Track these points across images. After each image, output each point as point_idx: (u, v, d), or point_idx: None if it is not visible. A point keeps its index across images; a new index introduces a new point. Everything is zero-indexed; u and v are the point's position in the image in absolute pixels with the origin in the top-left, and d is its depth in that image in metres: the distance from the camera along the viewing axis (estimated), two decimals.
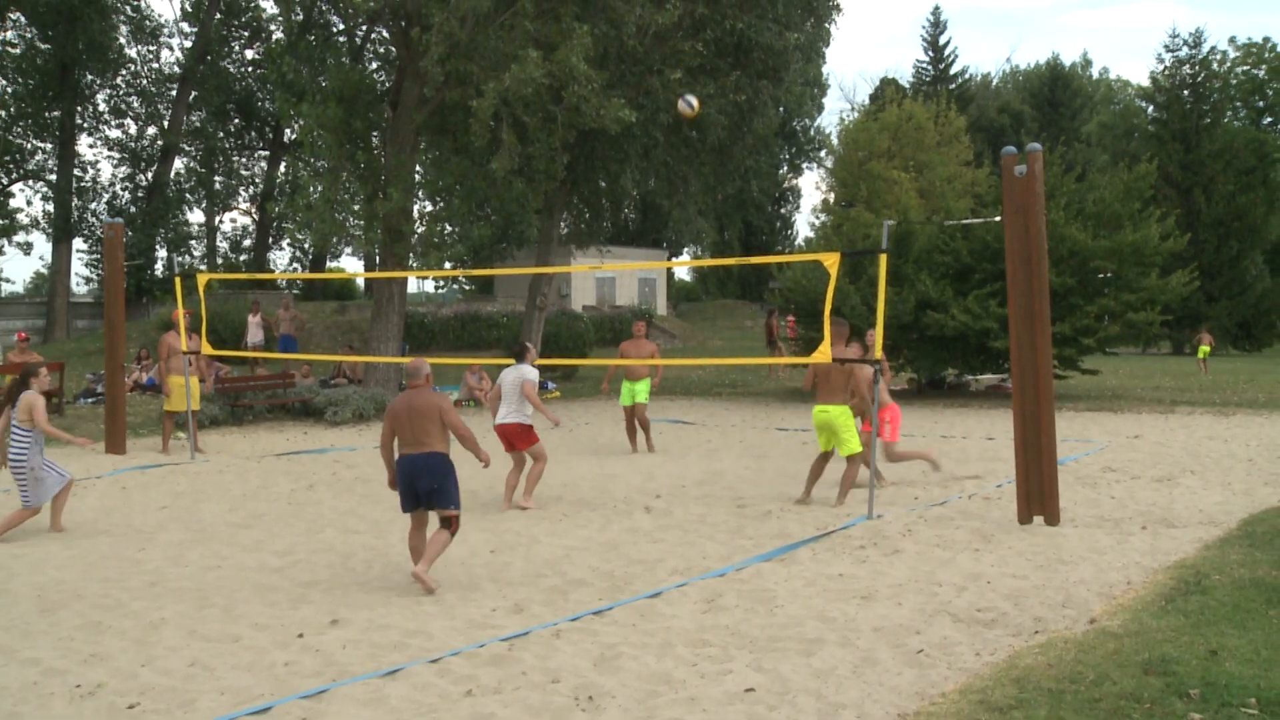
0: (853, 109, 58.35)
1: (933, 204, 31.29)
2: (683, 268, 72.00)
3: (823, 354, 10.77)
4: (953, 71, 66.40)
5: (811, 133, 60.25)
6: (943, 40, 66.63)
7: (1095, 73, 79.61)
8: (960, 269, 22.20)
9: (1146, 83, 55.99)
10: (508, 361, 12.10)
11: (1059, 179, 23.07)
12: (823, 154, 59.06)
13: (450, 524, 8.20)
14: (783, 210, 64.58)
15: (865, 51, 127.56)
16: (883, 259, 10.80)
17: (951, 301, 21.48)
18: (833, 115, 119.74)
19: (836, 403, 11.10)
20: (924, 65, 66.90)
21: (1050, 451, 9.93)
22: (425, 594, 7.91)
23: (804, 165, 61.97)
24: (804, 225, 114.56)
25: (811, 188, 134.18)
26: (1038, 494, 9.99)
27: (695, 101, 17.63)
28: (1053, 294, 10.18)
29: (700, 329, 48.54)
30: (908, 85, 61.07)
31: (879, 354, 10.94)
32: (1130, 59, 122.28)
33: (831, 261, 10.92)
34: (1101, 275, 21.68)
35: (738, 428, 18.97)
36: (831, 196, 46.45)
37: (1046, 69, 72.14)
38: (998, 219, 12.53)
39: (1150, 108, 54.94)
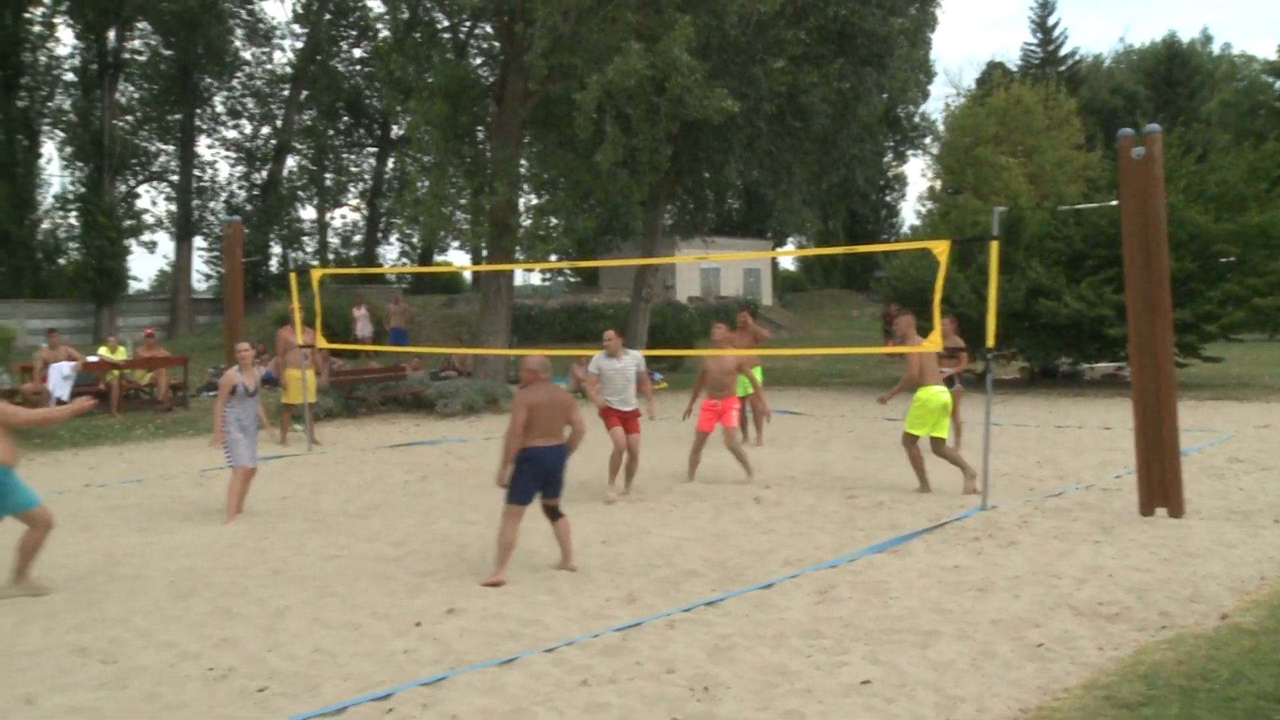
0: (959, 94, 57.17)
1: (1043, 189, 30.66)
2: (787, 258, 71.49)
3: (933, 343, 10.66)
4: (1062, 53, 64.80)
5: (917, 119, 59.28)
6: (1051, 21, 65.09)
7: (1216, 49, 76.84)
8: (1073, 255, 21.71)
9: (1274, 56, 53.87)
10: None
11: (1178, 161, 22.38)
12: (928, 140, 58.07)
13: (562, 513, 8.46)
14: (888, 198, 63.63)
15: (972, 35, 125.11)
16: (994, 246, 10.61)
17: (1064, 289, 21.04)
18: (938, 101, 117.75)
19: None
20: (1032, 48, 65.42)
21: (1173, 441, 9.66)
22: (569, 571, 8.29)
23: (909, 152, 60.95)
24: (909, 213, 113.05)
25: (917, 175, 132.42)
26: (1160, 485, 9.72)
27: None
28: (1173, 279, 9.87)
29: (806, 319, 48.20)
30: (1015, 69, 59.75)
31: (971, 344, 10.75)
32: (1255, 34, 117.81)
33: (941, 250, 10.77)
34: (1225, 259, 20.98)
35: (846, 418, 18.79)
36: (938, 183, 45.71)
37: (1163, 47, 69.81)
38: (1114, 203, 12.21)
39: (1278, 83, 52.80)
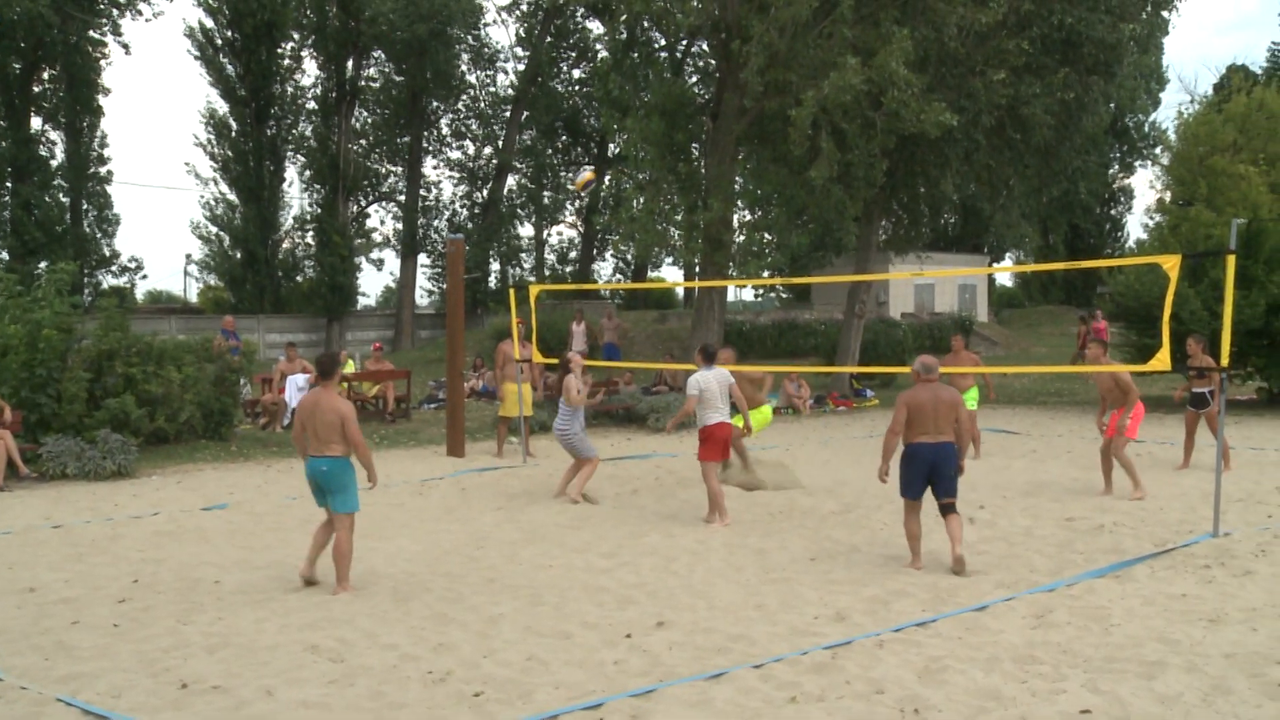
0: (1193, 101, 54.36)
1: None
2: (1004, 273, 69.39)
3: (1160, 361, 10.24)
4: None
5: (1146, 129, 56.70)
6: None
7: None
8: None
9: None
10: (825, 369, 12.07)
11: None
12: (1158, 150, 55.37)
13: (954, 510, 8.87)
14: (1112, 212, 60.99)
15: (1209, 38, 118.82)
16: (1230, 260, 10.08)
17: None
18: (1170, 109, 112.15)
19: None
20: None
21: None
22: (959, 572, 8.62)
23: (1137, 164, 58.35)
24: (1135, 227, 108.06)
25: (1145, 187, 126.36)
26: None
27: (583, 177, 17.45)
28: None
29: (1023, 335, 46.60)
30: (1260, 71, 56.35)
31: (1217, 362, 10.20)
32: None
33: (1171, 264, 10.30)
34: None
35: (1064, 437, 18.11)
36: (1167, 195, 43.53)
37: None
38: None
39: None
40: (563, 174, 47.01)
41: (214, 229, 38.23)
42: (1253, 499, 11.76)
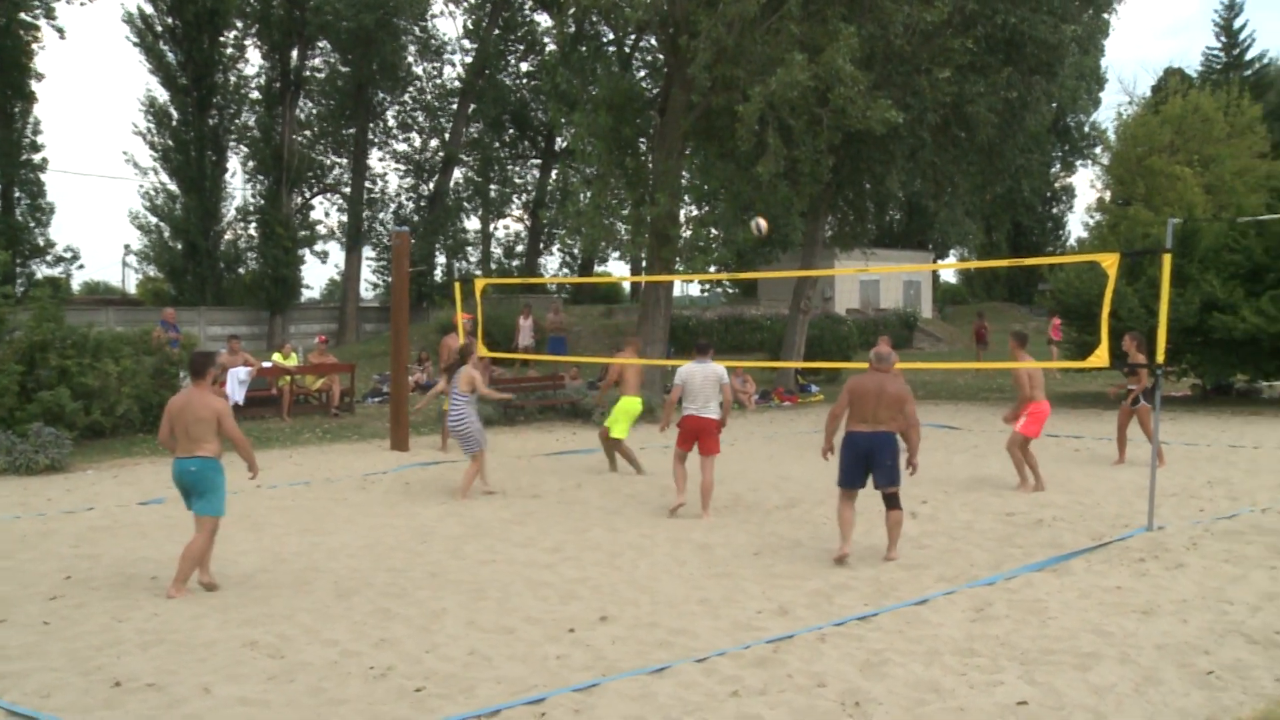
0: (1131, 102, 55.09)
1: (1220, 200, 29.35)
2: (949, 270, 70.05)
3: (1099, 357, 10.39)
4: (1248, 57, 61.82)
5: (1087, 129, 57.50)
6: (1238, 24, 62.18)
7: None
8: (1253, 268, 20.79)
9: None
10: (771, 364, 12.15)
11: None
12: (1098, 150, 56.13)
13: (897, 501, 8.92)
14: (1054, 210, 61.79)
15: (1147, 41, 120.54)
16: (1166, 259, 10.23)
17: (1242, 303, 20.20)
18: (1110, 110, 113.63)
19: None
20: (1214, 52, 62.49)
21: None
22: (896, 560, 8.82)
23: (1078, 163, 59.16)
24: (1077, 225, 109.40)
25: (1086, 186, 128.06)
26: None
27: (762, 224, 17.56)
28: None
29: (966, 332, 46.99)
30: (1195, 74, 57.27)
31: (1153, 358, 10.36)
32: None
33: (1110, 262, 10.45)
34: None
35: (1005, 433, 18.24)
36: (1107, 195, 44.17)
37: None
38: None
39: None
40: (509, 167, 46.81)
41: (154, 219, 37.48)
42: (1186, 493, 11.96)
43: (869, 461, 8.83)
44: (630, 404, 14.03)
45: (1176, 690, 5.77)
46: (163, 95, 36.26)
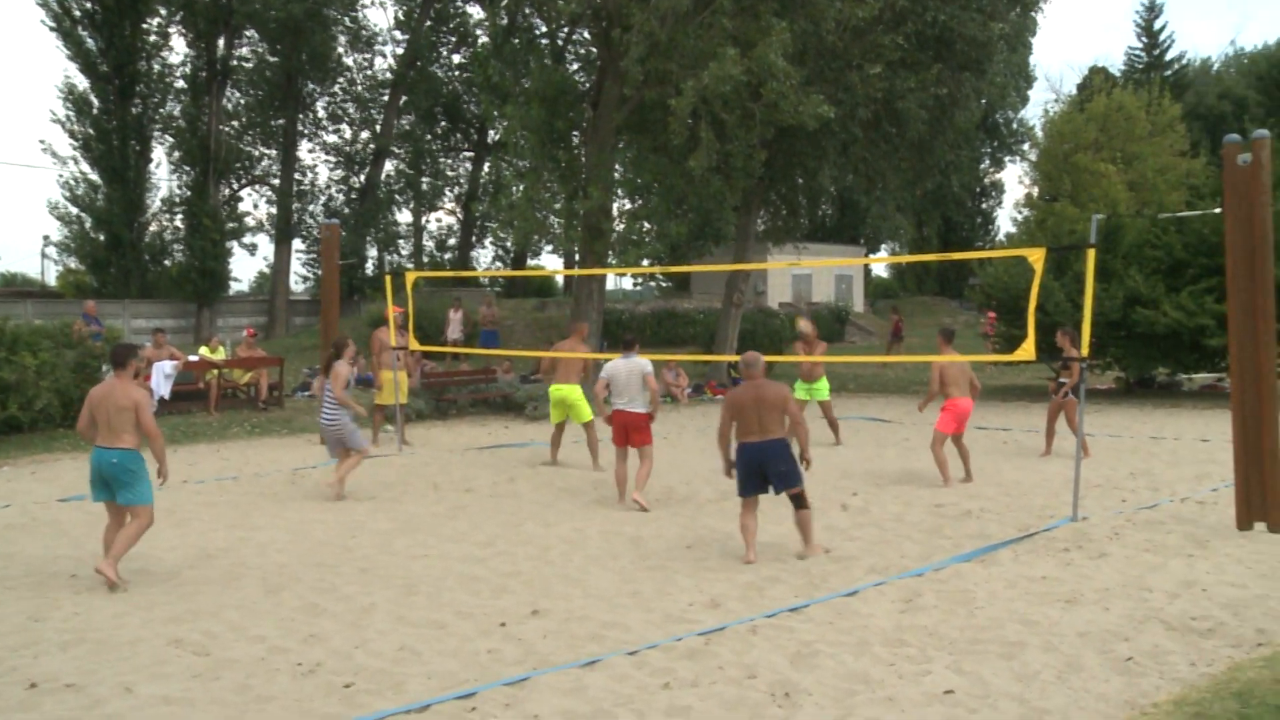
0: (1058, 100, 56.07)
1: (1143, 197, 29.96)
2: (880, 264, 70.82)
3: (1025, 351, 10.55)
4: (1169, 57, 63.13)
5: (1015, 125, 58.40)
6: (1158, 25, 63.47)
7: None
8: (1173, 264, 21.26)
9: None
10: (703, 358, 12.23)
11: None
12: (1026, 147, 57.04)
13: (803, 500, 8.82)
14: (984, 205, 62.73)
15: (1073, 40, 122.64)
16: (1091, 254, 10.41)
17: (1163, 298, 20.67)
18: (1037, 107, 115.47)
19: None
20: (1137, 52, 63.80)
21: (1274, 454, 9.35)
22: (821, 554, 8.83)
23: (1006, 159, 60.09)
24: (1005, 220, 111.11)
25: (1014, 182, 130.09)
26: (1259, 499, 9.42)
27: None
28: (1277, 288, 9.56)
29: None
30: (1119, 73, 58.36)
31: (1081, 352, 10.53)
32: None
33: (1036, 257, 10.64)
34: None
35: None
36: (1035, 190, 44.88)
37: (1276, 50, 67.62)
38: (1217, 210, 11.91)
39: None
40: (441, 159, 46.46)
41: (74, 210, 36.62)
42: (1109, 484, 12.18)
43: (763, 471, 8.77)
44: (558, 392, 14.09)
45: (1097, 676, 5.88)
46: (82, 82, 35.36)
